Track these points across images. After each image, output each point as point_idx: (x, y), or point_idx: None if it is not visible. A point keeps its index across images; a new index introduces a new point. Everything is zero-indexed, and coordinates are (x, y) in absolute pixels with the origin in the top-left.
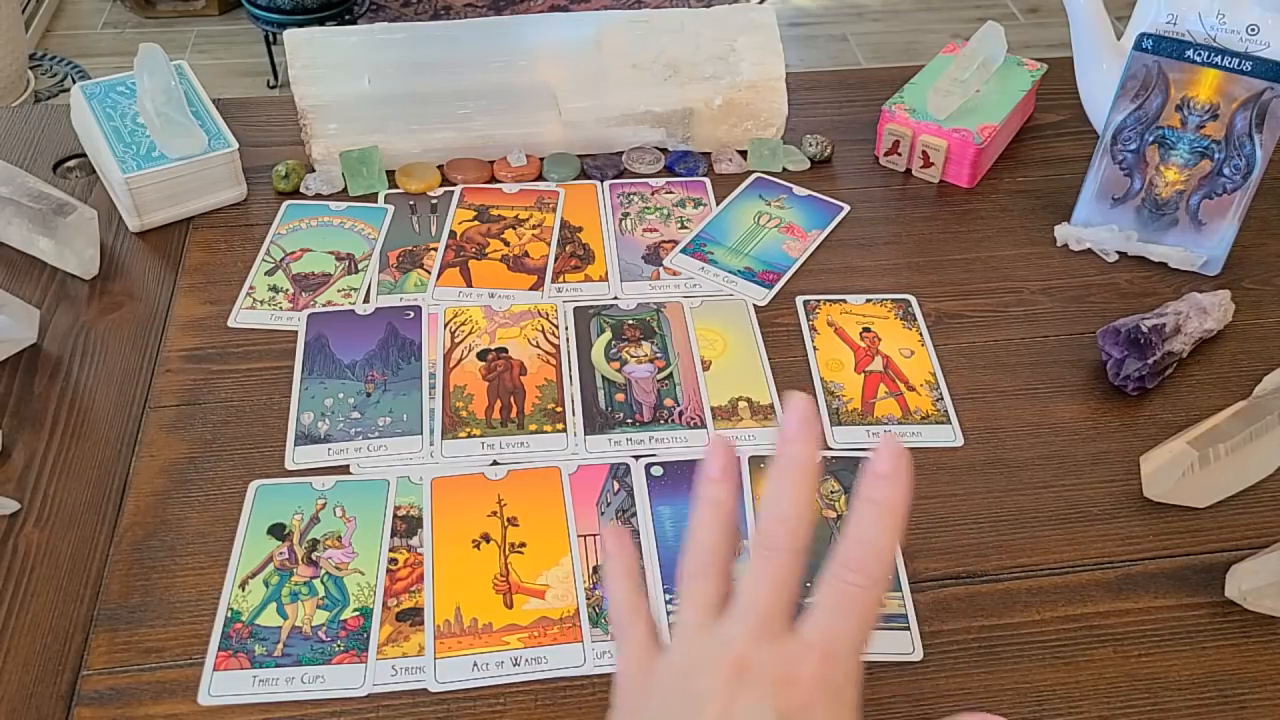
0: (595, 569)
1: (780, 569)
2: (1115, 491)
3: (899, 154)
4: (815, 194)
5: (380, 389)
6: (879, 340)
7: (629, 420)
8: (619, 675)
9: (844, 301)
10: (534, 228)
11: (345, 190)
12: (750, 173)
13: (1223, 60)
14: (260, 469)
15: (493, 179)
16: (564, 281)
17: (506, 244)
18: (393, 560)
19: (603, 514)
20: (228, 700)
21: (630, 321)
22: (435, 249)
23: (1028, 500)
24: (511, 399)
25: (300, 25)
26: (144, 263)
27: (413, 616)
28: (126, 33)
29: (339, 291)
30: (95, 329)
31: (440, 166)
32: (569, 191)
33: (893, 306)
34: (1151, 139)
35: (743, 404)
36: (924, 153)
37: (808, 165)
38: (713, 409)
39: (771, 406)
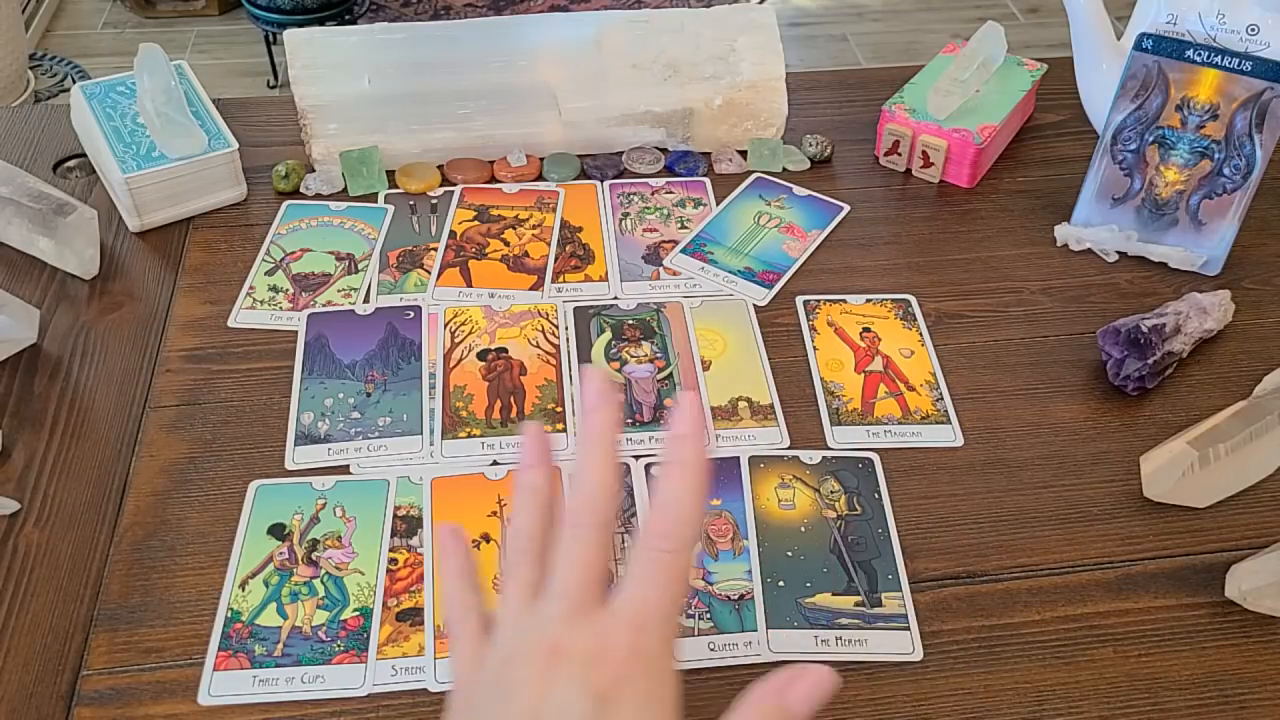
0: None
1: (588, 546)
2: (1115, 491)
3: (899, 154)
4: (815, 194)
5: (380, 389)
6: (879, 340)
7: (629, 420)
8: (453, 673)
9: (844, 301)
10: (534, 228)
11: (345, 190)
12: (750, 173)
13: (1223, 60)
14: (260, 469)
15: (493, 179)
16: (564, 281)
17: (506, 244)
18: (393, 560)
19: None
20: (228, 700)
21: (630, 321)
22: (435, 249)
23: (1028, 500)
24: (511, 399)
25: (300, 25)
26: (144, 263)
27: (413, 616)
28: (126, 33)
29: (339, 291)
30: (95, 329)
31: (440, 166)
32: (569, 191)
33: (893, 306)
34: (1151, 139)
35: (743, 404)
36: (924, 153)
37: (808, 165)
38: (713, 409)
39: (771, 406)
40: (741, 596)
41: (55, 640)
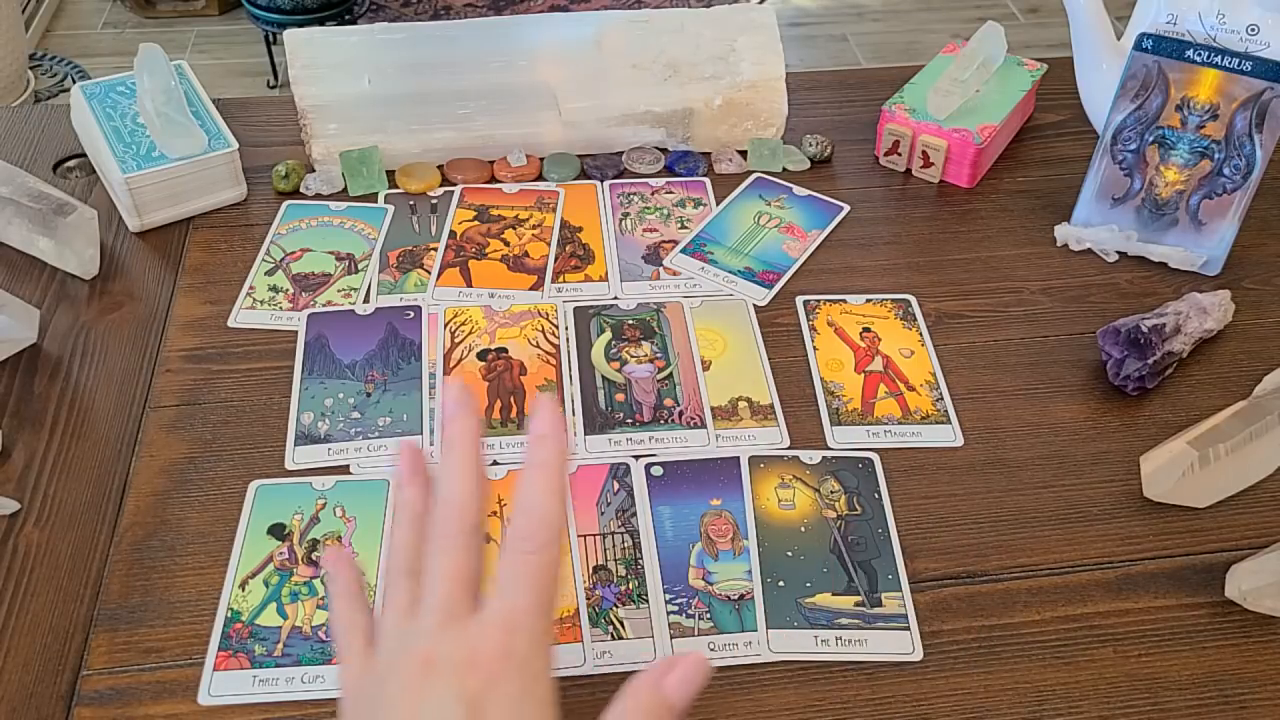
0: (596, 569)
1: (455, 555)
2: (1115, 491)
3: (899, 154)
4: (815, 194)
5: (380, 389)
6: (879, 340)
7: (629, 420)
8: (340, 689)
9: (844, 301)
10: (534, 228)
11: (345, 190)
12: (750, 173)
13: (1223, 60)
14: (260, 469)
15: (493, 179)
16: (564, 281)
17: (506, 244)
18: None
19: (603, 514)
20: (228, 700)
21: (630, 321)
22: (435, 249)
23: (1028, 500)
24: (511, 399)
25: (300, 25)
26: (144, 263)
27: None
28: (126, 33)
29: (339, 291)
30: (95, 329)
31: (440, 166)
32: (569, 191)
33: (893, 306)
34: (1151, 139)
35: (743, 404)
36: (924, 153)
37: (808, 165)
38: (713, 409)
39: (771, 406)
40: (741, 596)
41: (55, 640)
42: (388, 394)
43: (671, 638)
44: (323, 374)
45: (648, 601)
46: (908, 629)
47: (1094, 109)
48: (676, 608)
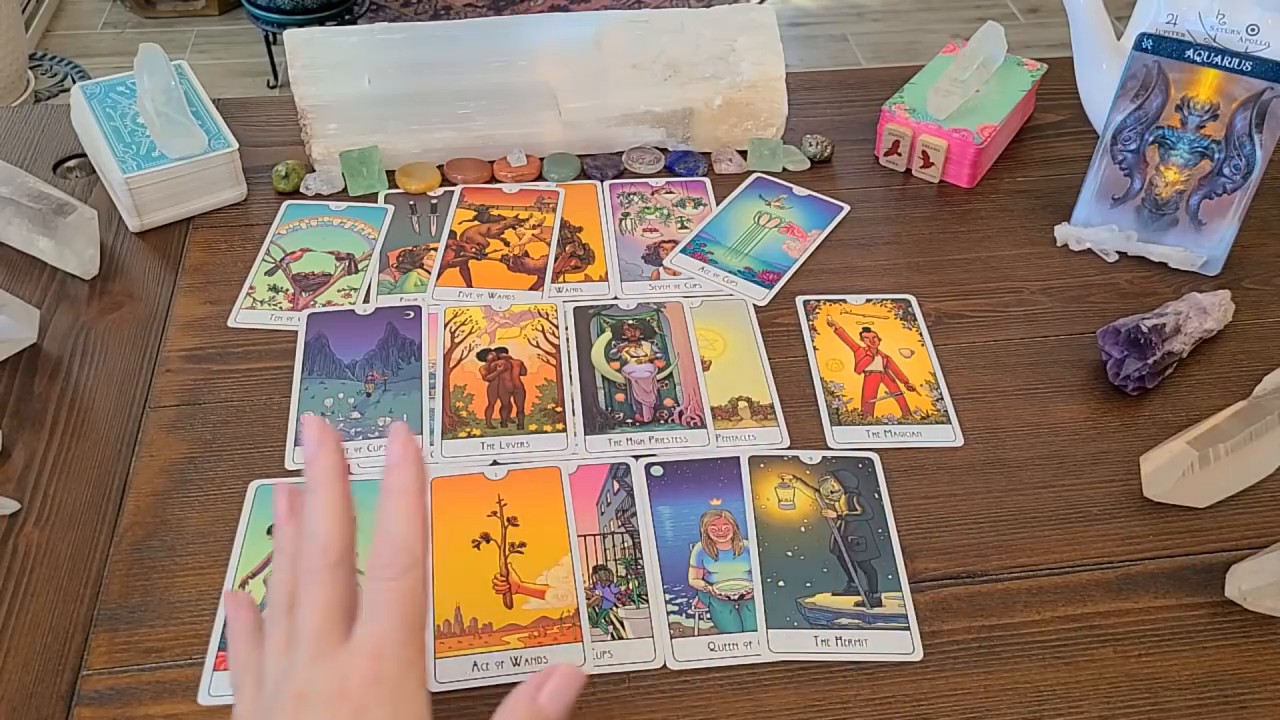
0: (596, 569)
1: (321, 588)
2: (1115, 491)
3: (899, 154)
4: (815, 194)
5: (380, 389)
6: (879, 340)
7: (629, 420)
8: None
9: (844, 301)
10: (534, 228)
11: (345, 190)
12: (750, 173)
13: (1223, 60)
14: (260, 469)
15: (493, 179)
16: (564, 281)
17: (506, 244)
18: None
19: (603, 514)
20: (228, 700)
21: (630, 321)
22: (435, 249)
23: (1028, 500)
24: (511, 399)
25: (300, 25)
26: (144, 263)
27: None
28: (126, 33)
29: (339, 291)
30: (95, 329)
31: (440, 166)
32: (569, 191)
33: (893, 306)
34: (1151, 139)
35: (743, 404)
36: (924, 153)
37: (808, 165)
38: (713, 409)
39: (771, 406)
40: (741, 596)
41: (55, 640)
42: (388, 394)
43: (671, 638)
44: (323, 374)
45: (648, 601)
46: (908, 629)
47: (1094, 109)
48: (676, 608)
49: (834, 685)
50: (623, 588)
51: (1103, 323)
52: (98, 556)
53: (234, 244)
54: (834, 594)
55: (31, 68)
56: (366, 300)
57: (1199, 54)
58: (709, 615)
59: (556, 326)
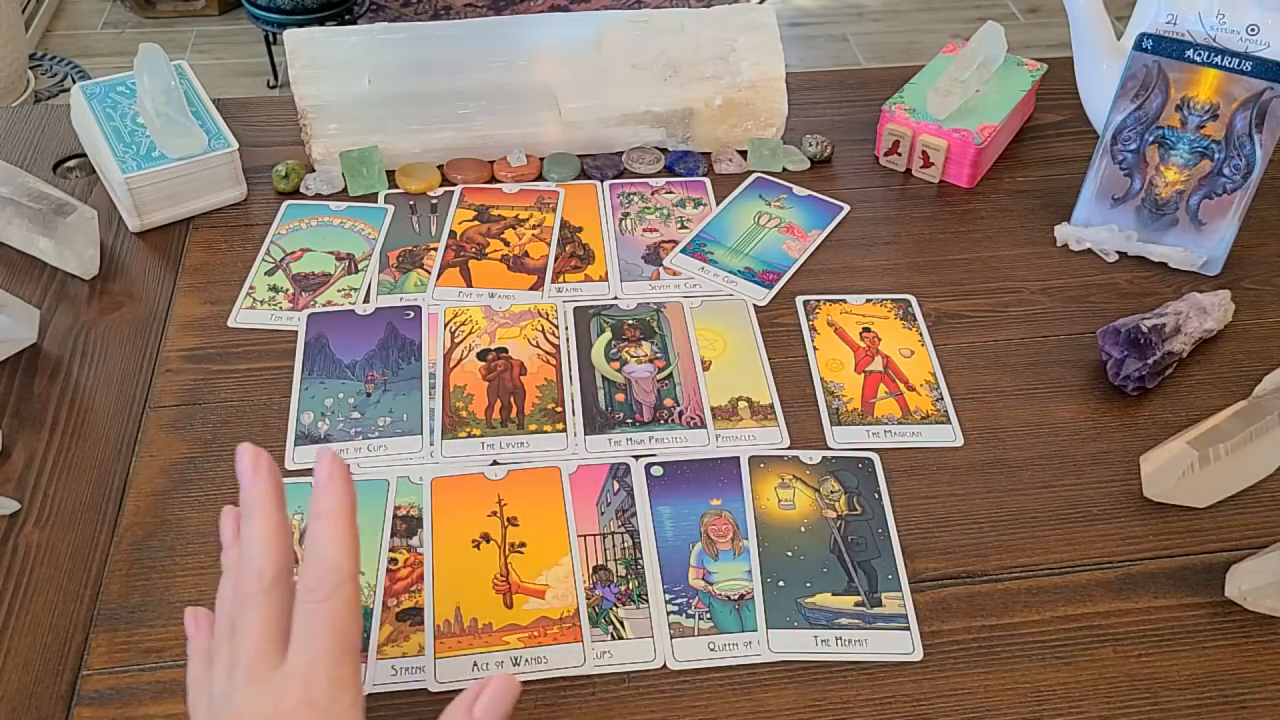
0: (596, 569)
1: (256, 612)
2: (1115, 491)
3: (899, 154)
4: (815, 194)
5: (380, 389)
6: (879, 340)
7: (629, 420)
8: None
9: (844, 301)
10: (534, 228)
11: (345, 190)
12: (750, 173)
13: (1223, 60)
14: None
15: (493, 179)
16: (564, 281)
17: (506, 244)
18: (393, 560)
19: (603, 514)
20: None
21: (630, 321)
22: (435, 249)
23: (1028, 500)
24: (511, 399)
25: (300, 25)
26: (144, 263)
27: (413, 616)
28: (126, 33)
29: (339, 291)
30: (95, 329)
31: (440, 166)
32: (569, 191)
33: (893, 306)
34: (1151, 139)
35: (743, 404)
36: (924, 153)
37: (808, 165)
38: (713, 409)
39: (771, 406)
40: (741, 596)
41: (55, 640)
42: (388, 394)
43: (671, 638)
44: (323, 374)
45: (648, 601)
46: (908, 629)
47: (1094, 109)
48: (676, 608)
49: (834, 685)
50: (623, 588)
51: (1103, 323)
52: (98, 556)
53: (234, 244)
54: (834, 594)
55: (31, 68)
56: (366, 300)
57: (1199, 54)
58: (709, 615)
59: (556, 326)
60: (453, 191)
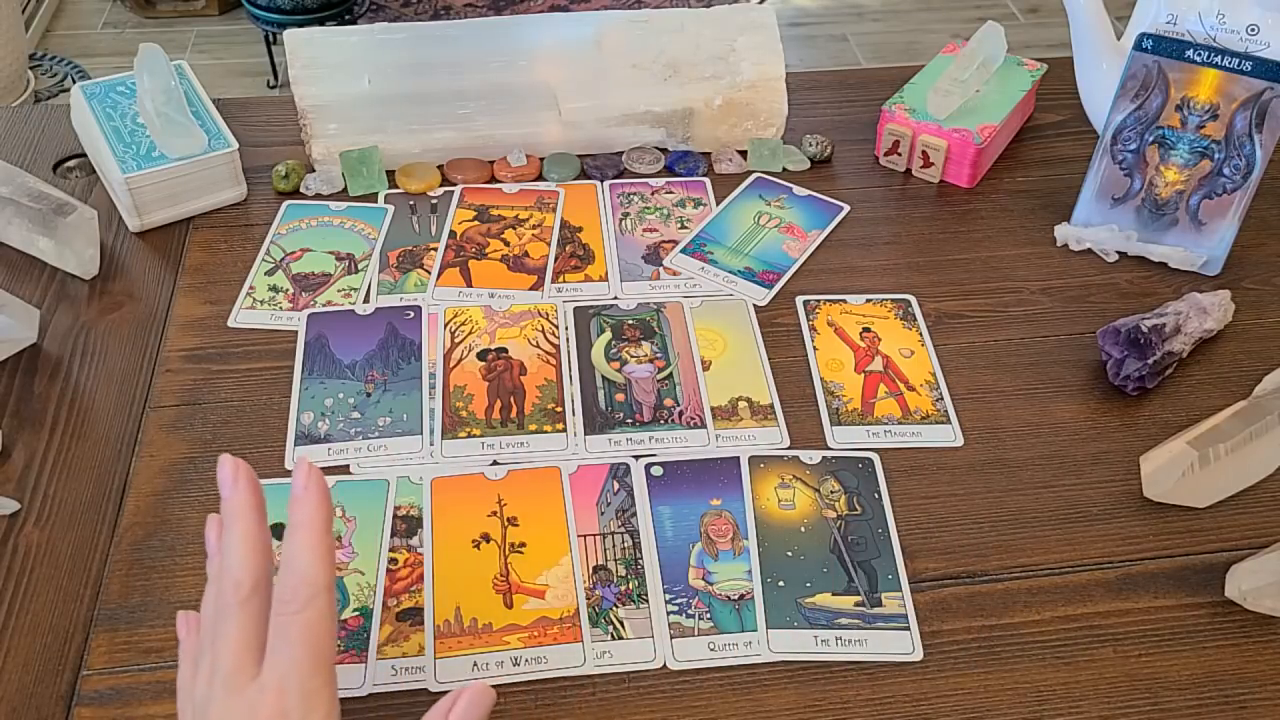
0: (596, 569)
1: (234, 623)
2: (1115, 491)
3: (899, 154)
4: (815, 194)
5: (380, 389)
6: (879, 340)
7: (629, 420)
8: None
9: (844, 301)
10: (534, 228)
11: (345, 190)
12: (750, 173)
13: (1223, 60)
14: (260, 469)
15: (493, 179)
16: (564, 281)
17: (506, 244)
18: (393, 560)
19: (603, 514)
20: None
21: (630, 321)
22: (435, 249)
23: (1028, 500)
24: (511, 399)
25: (300, 25)
26: (144, 263)
27: (413, 616)
28: (126, 33)
29: (339, 291)
30: (95, 329)
31: (440, 166)
32: (569, 191)
33: (893, 306)
34: (1151, 139)
35: (743, 404)
36: (924, 153)
37: (808, 165)
38: (713, 409)
39: (771, 406)
40: (741, 596)
41: (55, 640)
42: (388, 394)
43: (671, 638)
44: (323, 374)
45: (648, 601)
46: (908, 629)
47: (1094, 109)
48: (676, 608)
49: (834, 685)
50: (623, 588)
51: (1103, 323)
52: (98, 556)
53: (234, 244)
54: (834, 594)
55: (31, 68)
56: (366, 300)
57: (1199, 54)
58: (709, 615)
59: (556, 326)
60: (453, 191)
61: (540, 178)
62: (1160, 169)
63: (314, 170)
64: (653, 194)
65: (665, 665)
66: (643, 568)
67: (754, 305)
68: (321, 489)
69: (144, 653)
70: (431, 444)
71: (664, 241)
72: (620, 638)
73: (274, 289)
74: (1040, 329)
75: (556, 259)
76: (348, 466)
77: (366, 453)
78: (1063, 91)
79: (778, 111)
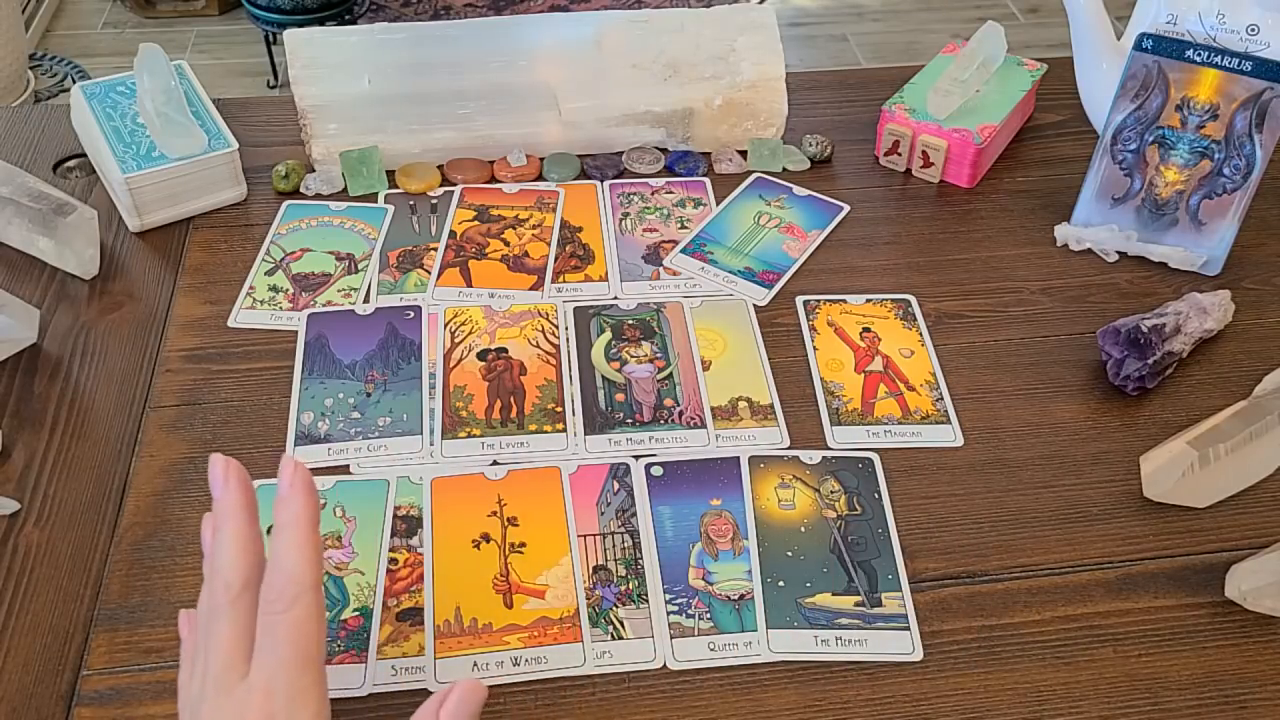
0: (596, 569)
1: (225, 624)
2: (1115, 491)
3: (899, 154)
4: (815, 194)
5: (380, 389)
6: (879, 340)
7: (629, 420)
8: None
9: (844, 301)
10: (534, 228)
11: (345, 190)
12: (750, 173)
13: (1223, 60)
14: (260, 469)
15: (493, 179)
16: (564, 281)
17: (506, 244)
18: (393, 560)
19: (602, 514)
20: None
21: (630, 321)
22: (435, 249)
23: (1028, 500)
24: (511, 399)
25: (300, 25)
26: (144, 263)
27: (413, 616)
28: (126, 33)
29: (339, 291)
30: (95, 329)
31: (440, 166)
32: (569, 191)
33: (893, 306)
34: (1151, 139)
35: (743, 404)
36: (924, 153)
37: (808, 165)
38: (713, 409)
39: (771, 406)
40: (741, 596)
41: (55, 640)
42: (388, 394)
43: (671, 638)
44: (323, 374)
45: (648, 601)
46: (908, 629)
47: (1094, 109)
48: (676, 608)
49: (834, 685)
50: (623, 588)
51: (1103, 323)
52: (98, 556)
53: (234, 244)
54: (834, 594)
55: (31, 68)
56: (366, 300)
57: (1199, 54)
58: (709, 615)
59: (556, 326)
60: (453, 191)
61: (540, 178)
62: (1160, 169)
63: (314, 170)
64: (653, 194)
65: (665, 665)
66: (643, 568)
67: (754, 305)
68: (308, 488)
69: (144, 653)
70: (431, 444)
71: (664, 241)
72: (620, 638)
73: (274, 289)
74: (1040, 329)
75: (556, 259)
76: (348, 466)
77: (366, 453)
78: (1063, 91)
79: (778, 111)
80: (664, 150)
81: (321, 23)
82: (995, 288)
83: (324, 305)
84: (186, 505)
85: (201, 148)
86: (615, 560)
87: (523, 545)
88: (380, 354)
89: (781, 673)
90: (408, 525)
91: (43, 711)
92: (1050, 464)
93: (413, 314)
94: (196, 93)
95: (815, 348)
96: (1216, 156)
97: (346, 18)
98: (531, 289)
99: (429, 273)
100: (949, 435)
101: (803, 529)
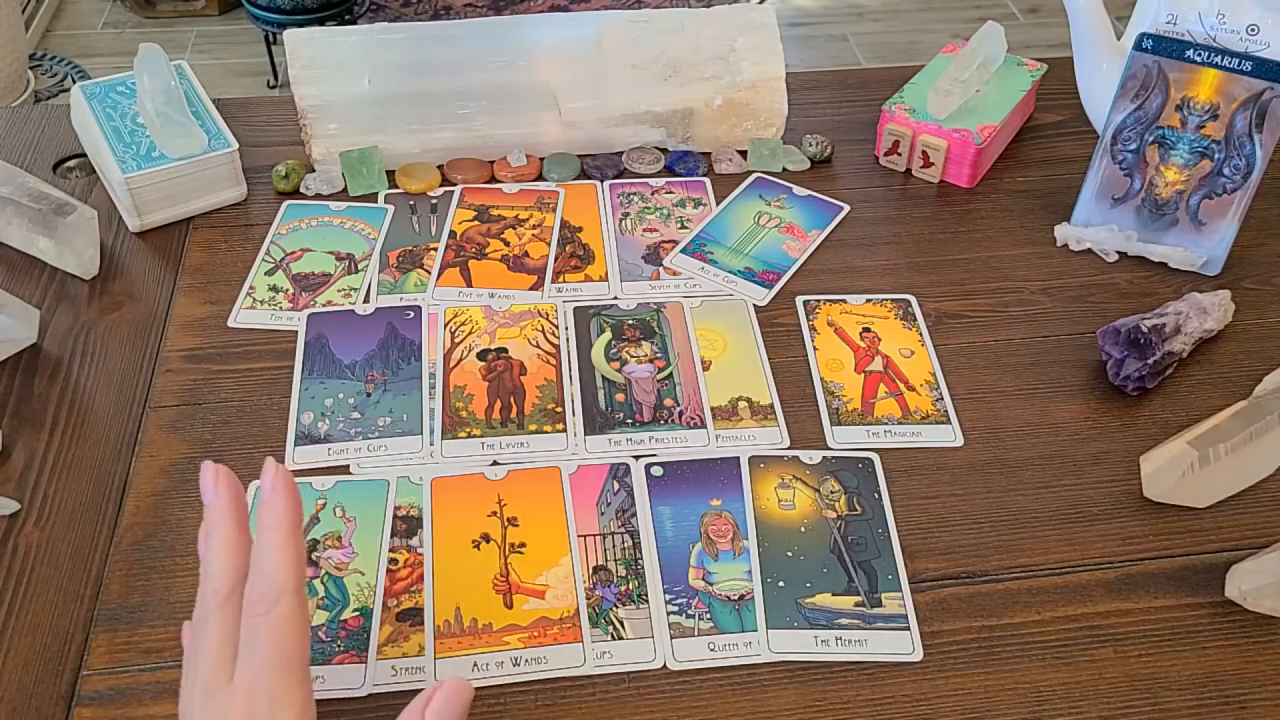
0: (596, 569)
1: (213, 627)
2: (1115, 491)
3: (899, 154)
4: (815, 194)
5: (380, 389)
6: (879, 340)
7: (629, 420)
8: None
9: (844, 301)
10: (534, 228)
11: (345, 190)
12: (750, 173)
13: (1223, 60)
14: (260, 469)
15: (493, 179)
16: (564, 281)
17: (506, 244)
18: (393, 560)
19: (602, 514)
20: None
21: (630, 321)
22: (435, 249)
23: (1028, 500)
24: (511, 399)
25: (300, 25)
26: (144, 263)
27: (413, 616)
28: (126, 33)
29: (339, 291)
30: (95, 329)
31: (440, 166)
32: (569, 191)
33: (893, 306)
34: (1151, 139)
35: (743, 404)
36: (924, 153)
37: (808, 165)
38: (713, 409)
39: (771, 406)
40: (741, 596)
41: (55, 640)
42: (388, 394)
43: (671, 638)
44: (323, 374)
45: (648, 601)
46: (908, 629)
47: (1094, 109)
48: (676, 608)
49: (834, 685)
50: (623, 588)
51: (1103, 323)
52: (98, 556)
53: (234, 244)
54: (834, 594)
55: (31, 68)
56: (366, 300)
57: (1199, 54)
58: (709, 615)
59: (556, 326)
60: (453, 191)
61: (540, 178)
62: (1160, 169)
63: (314, 170)
64: (653, 194)
65: (665, 665)
66: (643, 568)
67: (754, 305)
68: (290, 491)
69: (144, 653)
70: (431, 444)
71: (664, 241)
72: (620, 638)
73: (274, 289)
74: (1040, 329)
75: (556, 259)
76: (348, 466)
77: (366, 453)
78: (1063, 91)
79: (778, 111)
80: (664, 150)
81: (321, 23)
82: (995, 288)
83: (324, 305)
84: (186, 505)
85: (201, 148)
86: (615, 560)
87: (523, 545)
88: (380, 354)
89: (781, 673)
90: (408, 525)
91: (43, 711)
92: (1050, 464)
93: (413, 314)
94: (196, 93)
95: (815, 348)
96: (1216, 156)
97: (346, 18)
98: (531, 289)
99: (429, 273)
100: (949, 435)
101: (803, 529)
